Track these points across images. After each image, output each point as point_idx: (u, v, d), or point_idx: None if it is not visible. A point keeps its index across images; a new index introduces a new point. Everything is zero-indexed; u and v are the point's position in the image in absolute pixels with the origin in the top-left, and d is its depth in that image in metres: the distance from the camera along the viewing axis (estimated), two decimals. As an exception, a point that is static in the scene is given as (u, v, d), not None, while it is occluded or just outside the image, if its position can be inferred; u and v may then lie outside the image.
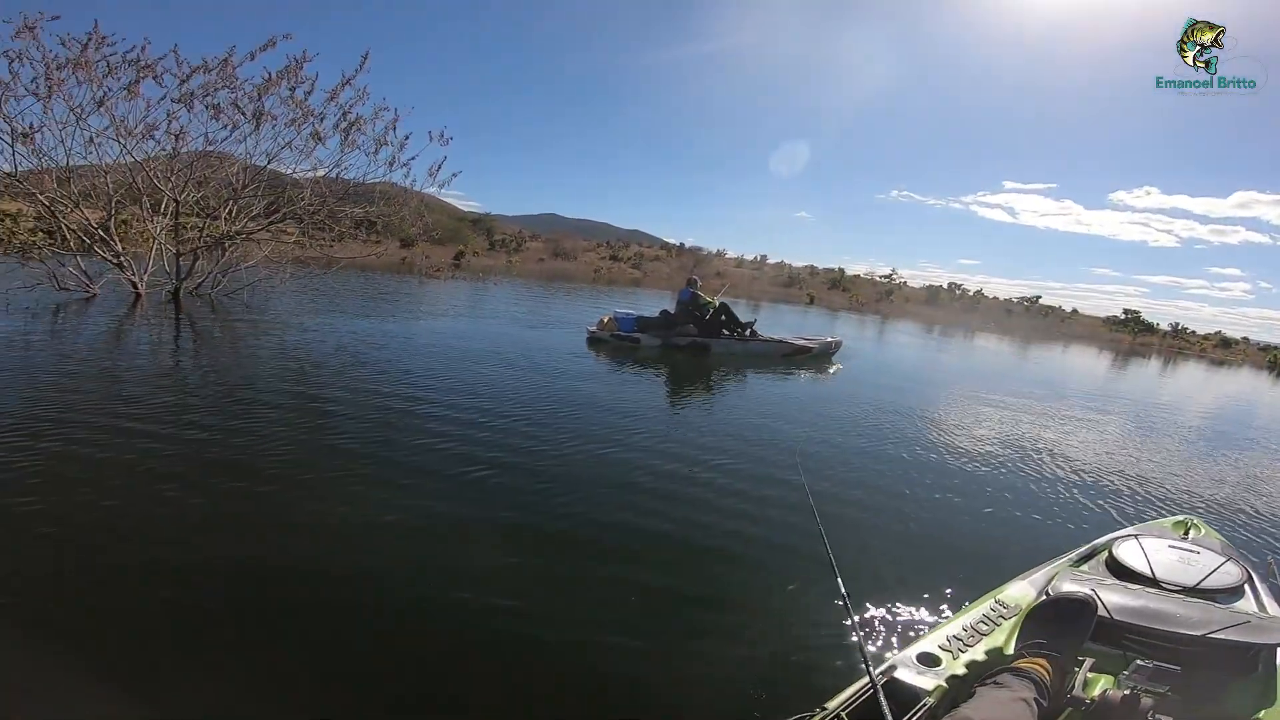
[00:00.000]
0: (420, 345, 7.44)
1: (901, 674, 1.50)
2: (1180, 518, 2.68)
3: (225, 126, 8.12)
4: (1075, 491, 4.79)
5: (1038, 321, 32.19)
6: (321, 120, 8.17)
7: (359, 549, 2.70)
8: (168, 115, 7.98)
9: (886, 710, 1.10)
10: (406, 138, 8.27)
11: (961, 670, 1.54)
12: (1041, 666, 1.34)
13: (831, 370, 9.20)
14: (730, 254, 42.01)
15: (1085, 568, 2.17)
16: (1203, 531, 2.53)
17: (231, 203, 9.29)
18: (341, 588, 2.40)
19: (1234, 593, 1.99)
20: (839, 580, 1.48)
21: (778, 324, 15.16)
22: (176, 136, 8.15)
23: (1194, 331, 33.05)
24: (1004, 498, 4.38)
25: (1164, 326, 32.66)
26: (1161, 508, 4.60)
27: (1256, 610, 1.90)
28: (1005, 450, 5.73)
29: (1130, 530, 2.46)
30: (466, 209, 54.56)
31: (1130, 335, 30.80)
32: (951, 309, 33.61)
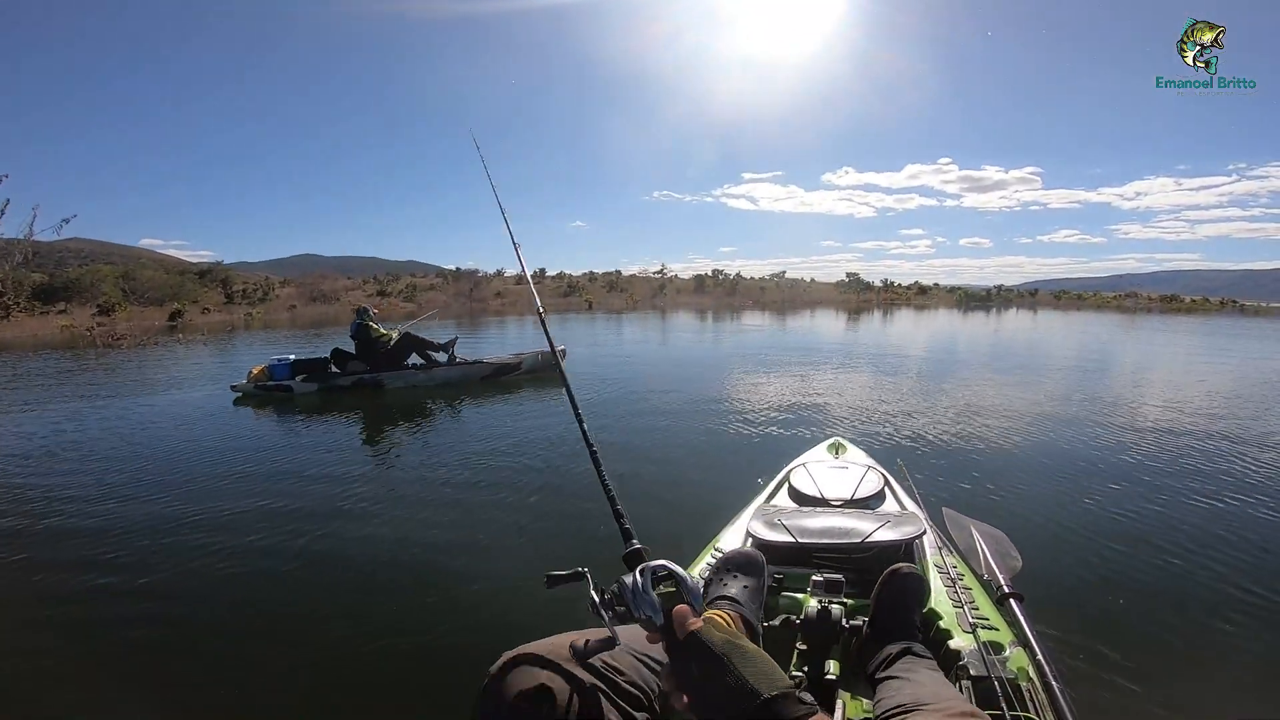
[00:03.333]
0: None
1: None
2: (831, 440, 3.06)
3: None
4: (775, 429, 5.46)
5: (787, 294, 36.70)
6: None
7: None
8: None
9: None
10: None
11: None
12: (723, 616, 1.40)
13: (555, 385, 8.03)
14: (509, 272, 41.48)
15: (776, 500, 2.38)
16: (848, 449, 2.95)
17: None
18: None
19: (879, 497, 2.30)
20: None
21: (562, 337, 15.11)
22: None
23: (899, 284, 40.14)
24: (720, 452, 4.81)
25: (878, 284, 39.23)
26: (835, 430, 5.21)
27: (898, 510, 2.20)
28: (725, 412, 6.20)
29: (800, 459, 2.76)
30: (195, 260, 47.23)
31: (856, 295, 36.49)
32: (717, 294, 36.88)
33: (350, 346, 7.88)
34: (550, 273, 41.44)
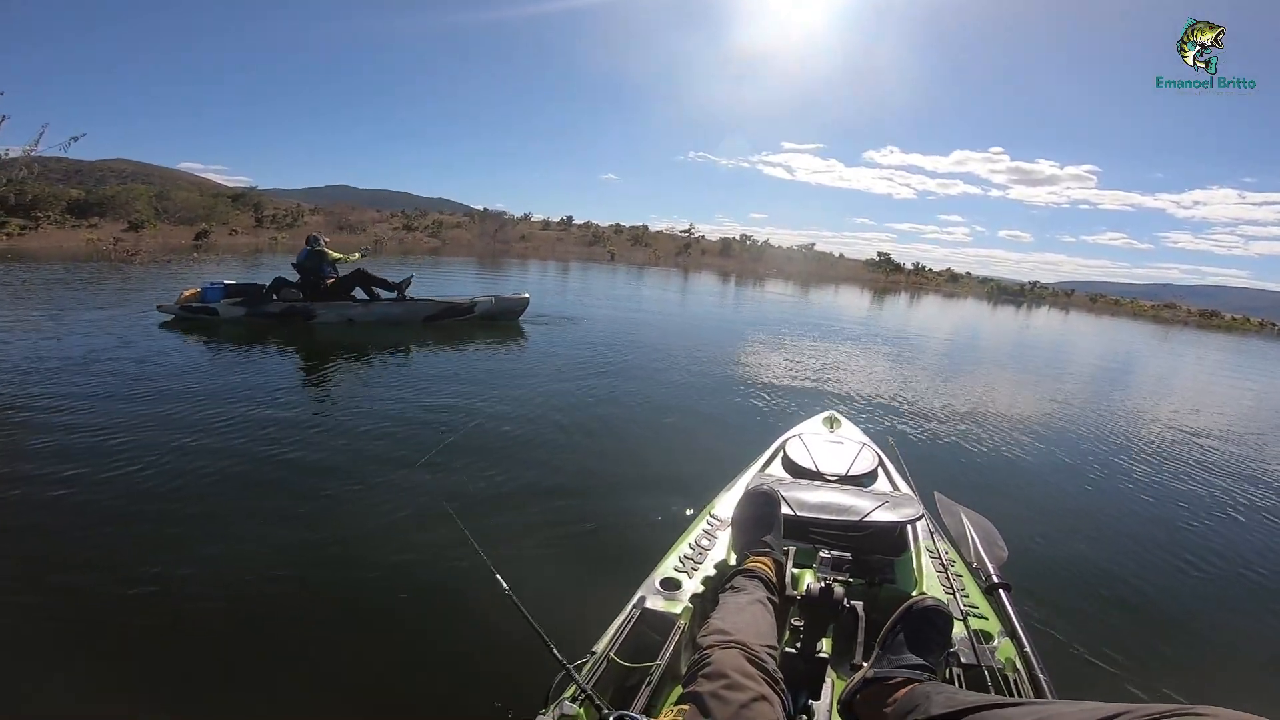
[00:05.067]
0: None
1: (652, 603, 1.57)
2: (827, 413, 3.11)
3: None
4: (773, 398, 5.49)
5: (813, 266, 36.03)
6: None
7: None
8: None
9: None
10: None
11: (700, 588, 1.65)
12: (764, 564, 1.48)
13: (518, 335, 7.56)
14: (536, 217, 41.11)
15: (770, 469, 2.39)
16: (843, 424, 2.99)
17: None
18: None
19: (872, 475, 2.33)
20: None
21: (580, 289, 14.87)
22: None
23: (931, 269, 39.16)
24: (717, 418, 4.85)
25: (909, 266, 38.30)
26: (832, 404, 5.27)
27: (891, 490, 2.22)
28: (726, 377, 6.23)
29: (794, 430, 2.80)
30: (231, 184, 47.46)
31: (884, 275, 35.73)
32: (742, 259, 36.36)
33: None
34: (577, 221, 40.94)
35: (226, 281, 7.13)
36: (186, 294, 6.97)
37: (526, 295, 8.37)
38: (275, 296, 7.16)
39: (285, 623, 2.16)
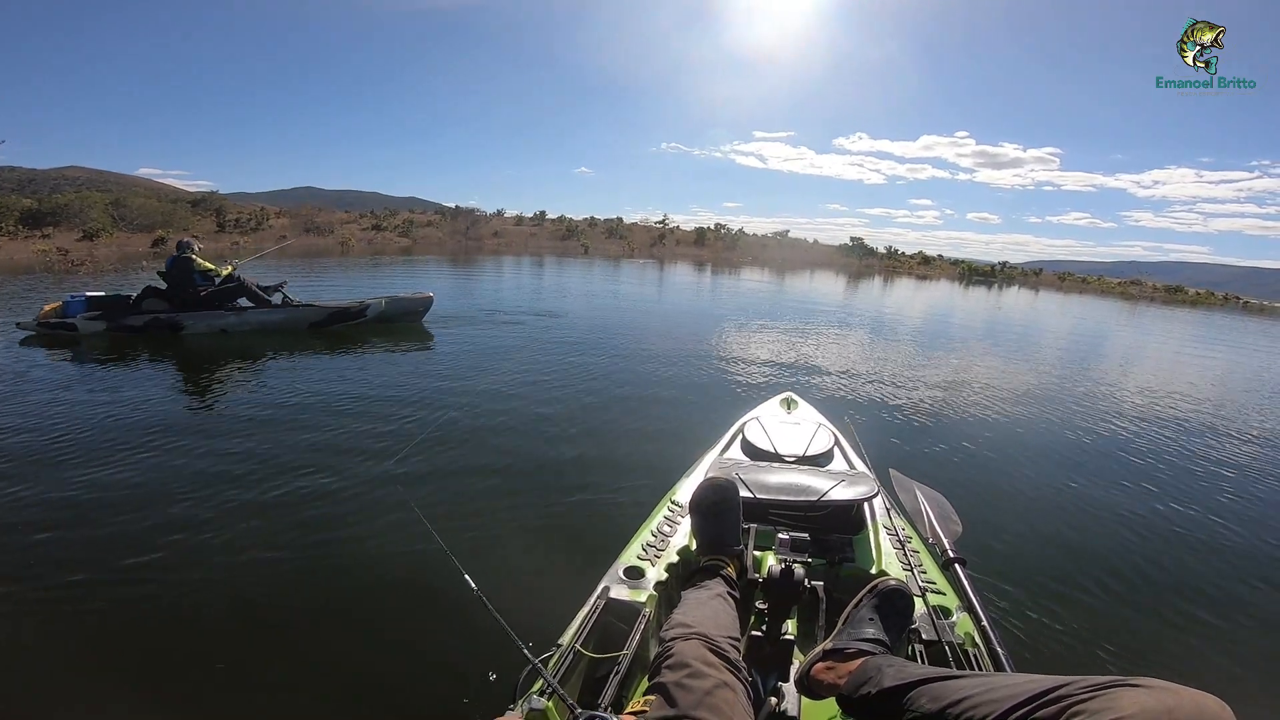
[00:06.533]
0: None
1: (616, 592, 1.56)
2: (784, 395, 3.11)
3: None
4: (733, 382, 5.54)
5: (787, 253, 36.24)
6: None
7: None
8: None
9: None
10: None
11: (663, 575, 1.65)
12: (724, 561, 1.49)
13: (424, 338, 7.07)
14: (510, 213, 40.70)
15: (729, 453, 2.38)
16: (800, 405, 3.00)
17: None
18: None
19: (829, 455, 2.35)
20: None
21: (557, 286, 14.61)
22: None
23: (903, 253, 39.64)
24: (678, 404, 4.85)
25: (881, 250, 38.72)
26: (790, 385, 5.20)
27: (847, 468, 2.24)
28: (688, 364, 6.22)
29: (753, 413, 2.81)
30: (193, 189, 46.37)
31: (857, 259, 36.08)
32: (717, 248, 36.46)
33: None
34: (551, 215, 40.61)
35: (89, 293, 6.63)
36: (47, 308, 6.49)
37: (429, 294, 7.88)
38: (141, 307, 6.65)
39: (248, 628, 2.11)
